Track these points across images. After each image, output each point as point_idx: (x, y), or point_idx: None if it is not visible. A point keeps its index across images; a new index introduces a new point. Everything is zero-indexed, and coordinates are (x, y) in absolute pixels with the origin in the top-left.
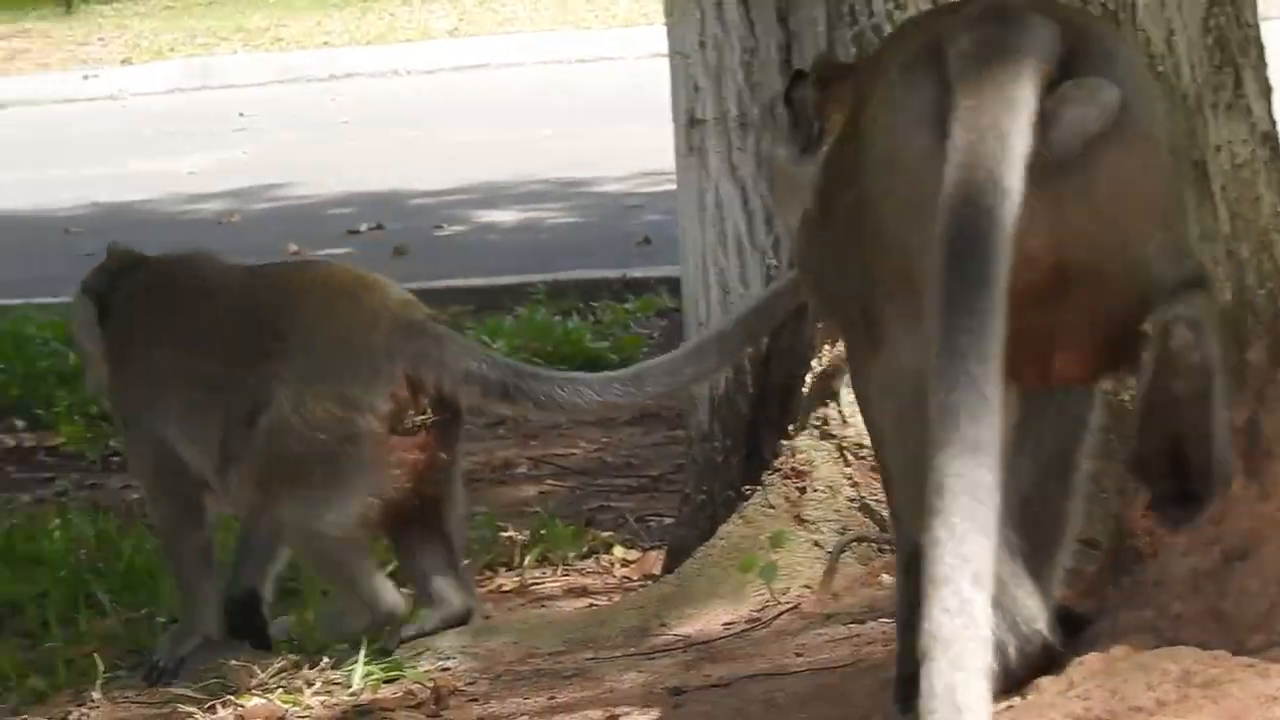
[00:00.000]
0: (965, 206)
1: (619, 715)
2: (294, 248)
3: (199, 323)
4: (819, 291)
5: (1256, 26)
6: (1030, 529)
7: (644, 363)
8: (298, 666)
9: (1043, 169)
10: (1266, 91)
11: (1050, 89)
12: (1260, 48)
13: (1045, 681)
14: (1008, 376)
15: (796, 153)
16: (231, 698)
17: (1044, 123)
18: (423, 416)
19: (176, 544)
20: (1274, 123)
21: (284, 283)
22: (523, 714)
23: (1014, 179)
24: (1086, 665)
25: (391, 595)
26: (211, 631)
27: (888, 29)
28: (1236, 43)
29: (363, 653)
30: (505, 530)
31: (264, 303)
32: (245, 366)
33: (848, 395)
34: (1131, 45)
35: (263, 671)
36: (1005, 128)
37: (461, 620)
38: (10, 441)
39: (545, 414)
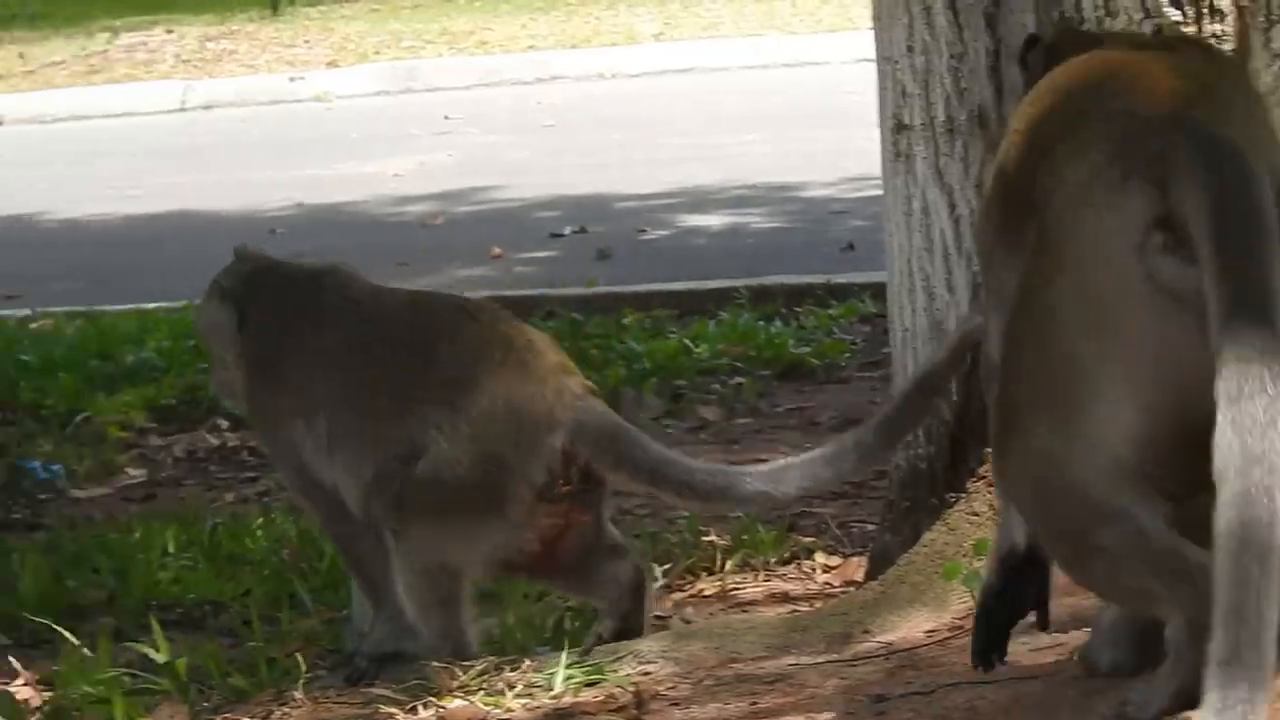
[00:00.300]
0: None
1: None
2: (497, 250)
3: (358, 347)
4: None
5: None
6: None
7: (783, 461)
8: (499, 669)
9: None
10: None
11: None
12: None
13: None
14: None
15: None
16: (433, 699)
17: None
18: (568, 486)
19: (352, 547)
20: None
21: (455, 329)
22: (723, 719)
23: None
24: None
25: (470, 638)
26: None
27: None
28: None
29: (564, 655)
30: (706, 535)
31: (432, 344)
32: (406, 405)
33: None
34: (1258, 103)
35: (464, 673)
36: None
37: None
38: (214, 441)
39: (684, 503)
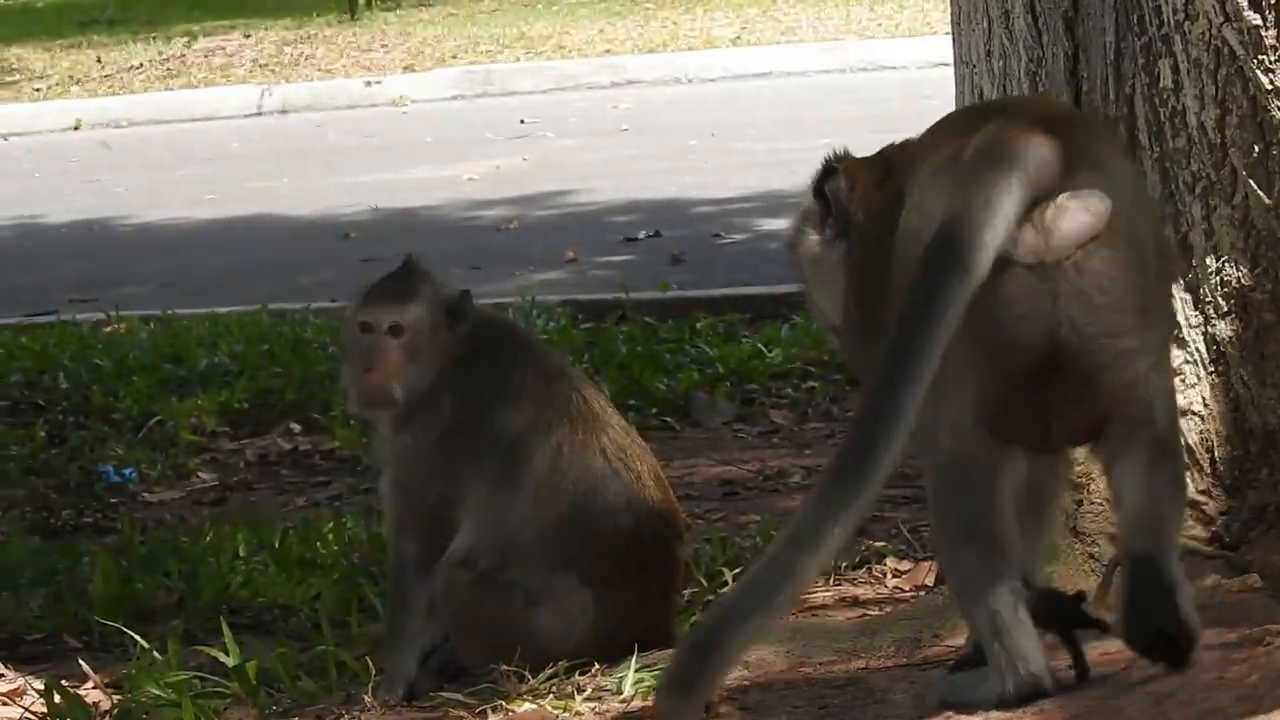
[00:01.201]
0: (935, 268)
1: None
2: (571, 255)
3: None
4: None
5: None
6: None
7: None
8: (569, 673)
9: (1042, 268)
10: None
11: (1050, 196)
12: None
13: None
14: (1014, 442)
15: (830, 238)
16: (502, 703)
17: (1043, 228)
18: None
19: (405, 584)
20: None
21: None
22: None
23: (980, 263)
24: None
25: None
26: (411, 675)
27: (1178, 40)
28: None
29: (634, 660)
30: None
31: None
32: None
33: None
34: (1125, 158)
35: (534, 678)
36: (980, 222)
37: None
38: (286, 445)
39: None
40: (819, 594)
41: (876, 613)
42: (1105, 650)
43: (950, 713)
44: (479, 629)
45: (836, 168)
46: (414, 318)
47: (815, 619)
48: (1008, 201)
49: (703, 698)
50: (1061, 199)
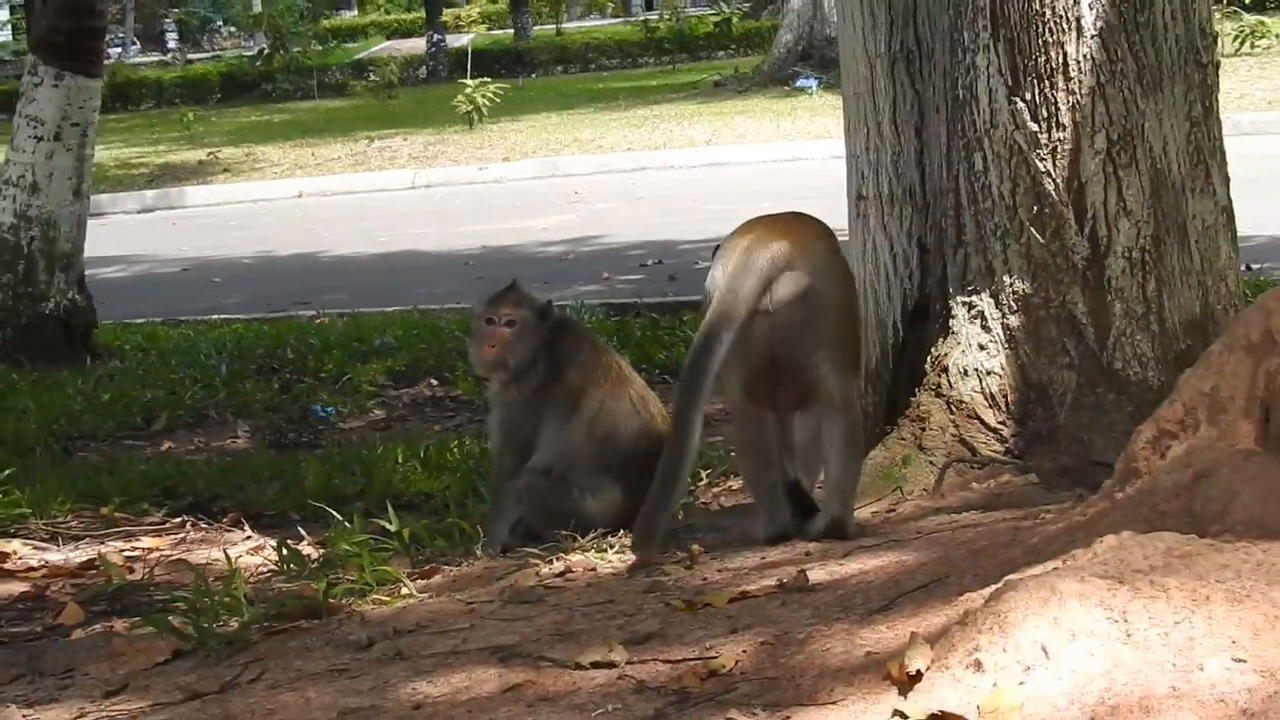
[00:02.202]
0: (714, 326)
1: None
2: (606, 275)
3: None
4: None
5: (1221, 139)
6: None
7: None
8: (604, 536)
9: (767, 312)
10: (1226, 181)
11: (779, 274)
12: (1223, 152)
13: (1079, 552)
14: (759, 403)
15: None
16: (562, 555)
17: (771, 292)
18: None
19: (502, 482)
20: (1230, 200)
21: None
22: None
23: (741, 314)
24: (1105, 543)
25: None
26: (504, 538)
27: (986, 140)
28: (1207, 149)
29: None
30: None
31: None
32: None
33: (954, 370)
34: (829, 251)
35: (582, 538)
36: (743, 293)
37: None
38: (428, 393)
39: None
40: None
41: None
42: (951, 523)
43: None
44: (548, 510)
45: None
46: (520, 315)
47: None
48: (755, 283)
49: (657, 539)
50: (783, 276)
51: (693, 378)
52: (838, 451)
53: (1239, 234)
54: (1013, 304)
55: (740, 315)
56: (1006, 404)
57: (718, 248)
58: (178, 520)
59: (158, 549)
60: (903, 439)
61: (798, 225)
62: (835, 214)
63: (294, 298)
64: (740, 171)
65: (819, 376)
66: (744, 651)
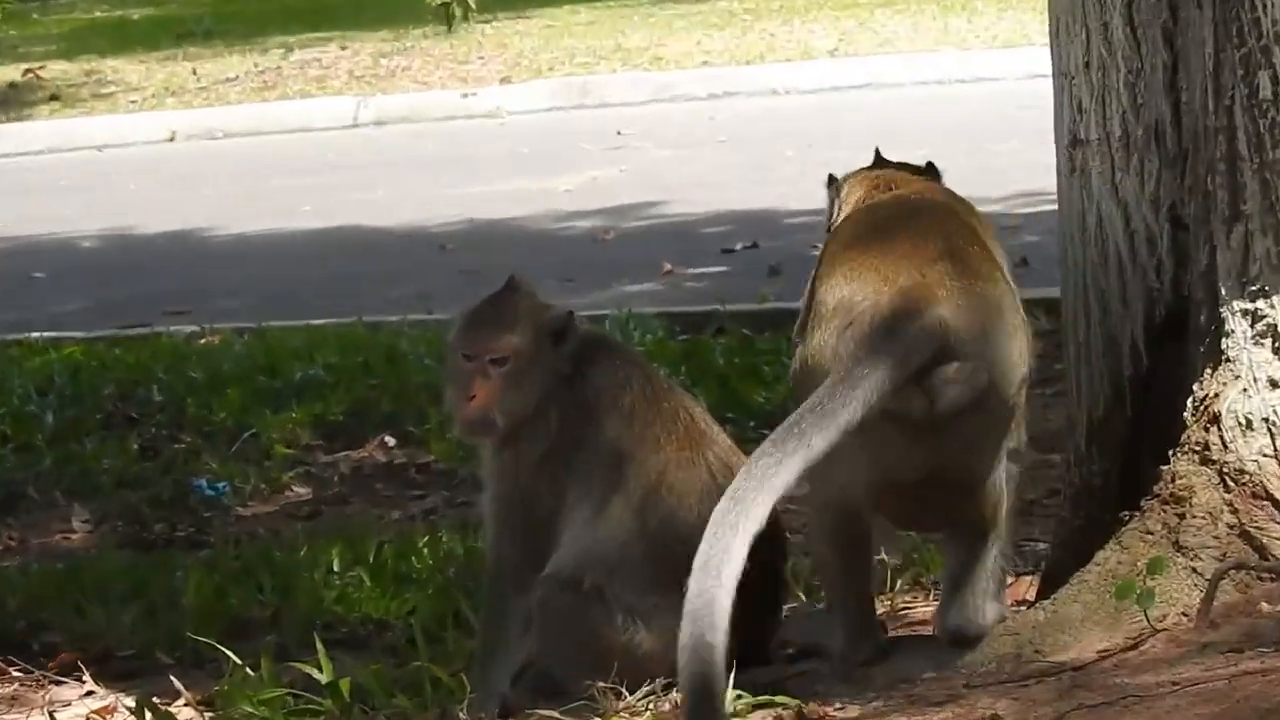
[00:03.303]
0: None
1: None
2: (668, 266)
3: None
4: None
5: None
6: None
7: None
8: (667, 690)
9: (930, 423)
10: None
11: (937, 363)
12: None
13: None
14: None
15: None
16: (597, 719)
17: (931, 393)
18: None
19: (501, 599)
20: None
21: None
22: None
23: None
24: None
25: None
26: (504, 691)
27: (1277, 51)
28: None
29: (732, 675)
30: (877, 554)
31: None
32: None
33: (1229, 420)
34: (1001, 328)
35: (630, 694)
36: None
37: None
38: (381, 458)
39: None
40: (919, 609)
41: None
42: None
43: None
44: (576, 646)
45: (836, 178)
46: (516, 346)
47: (916, 635)
48: (889, 379)
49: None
50: (948, 371)
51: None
52: (978, 581)
53: None
54: None
55: (851, 425)
56: None
57: (813, 276)
58: None
59: None
60: (1148, 533)
61: (950, 239)
62: (1036, 167)
63: (164, 303)
64: (883, 99)
65: (989, 488)
66: None
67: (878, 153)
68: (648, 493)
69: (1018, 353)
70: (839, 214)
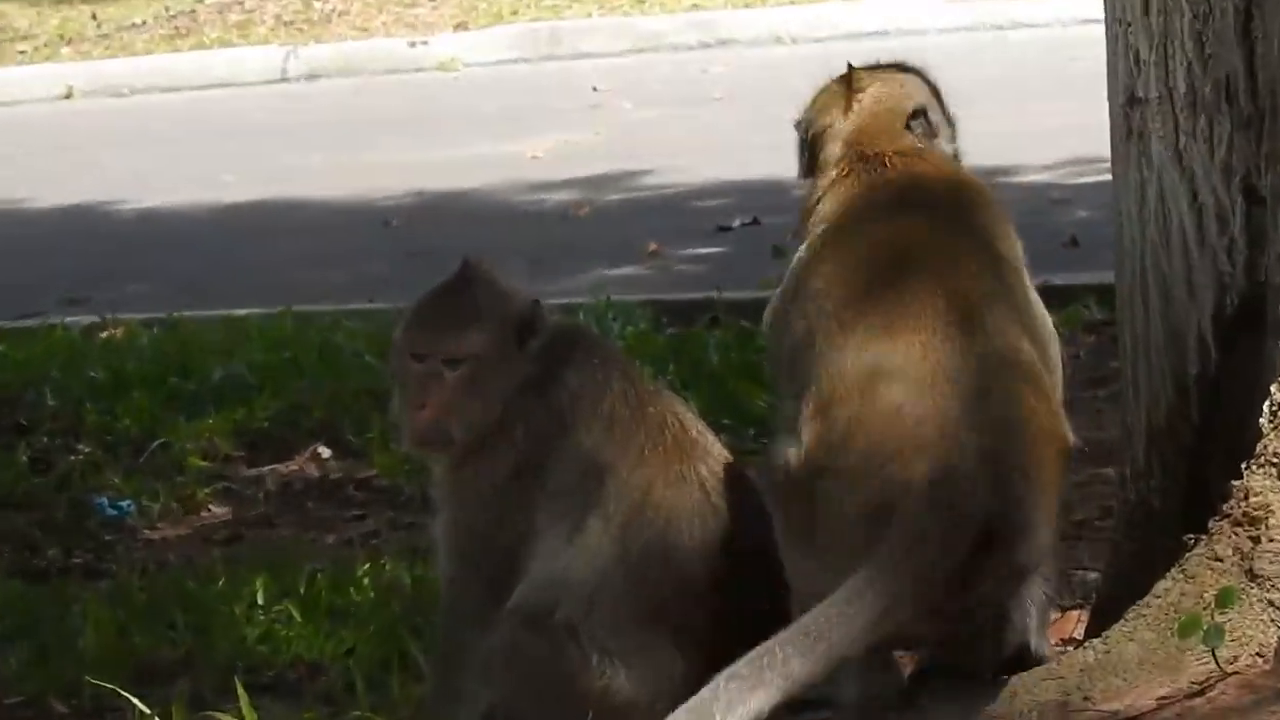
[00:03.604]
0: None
1: None
2: (654, 246)
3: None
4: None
5: None
6: None
7: None
8: None
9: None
10: None
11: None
12: None
13: None
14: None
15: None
16: None
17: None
18: None
19: (458, 639)
20: None
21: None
22: None
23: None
24: None
25: None
26: None
27: None
28: None
29: None
30: None
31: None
32: None
33: None
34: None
35: None
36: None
37: None
38: (314, 472)
39: None
40: None
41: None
42: None
43: None
44: (544, 693)
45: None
46: (475, 345)
47: (947, 681)
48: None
49: None
50: (988, 564)
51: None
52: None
53: None
54: None
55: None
56: None
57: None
58: None
59: None
60: (1217, 559)
61: (968, 298)
62: (1089, 131)
63: (58, 290)
64: (904, 48)
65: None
66: None
67: (851, 70)
68: (630, 513)
69: (1053, 401)
70: (818, 197)
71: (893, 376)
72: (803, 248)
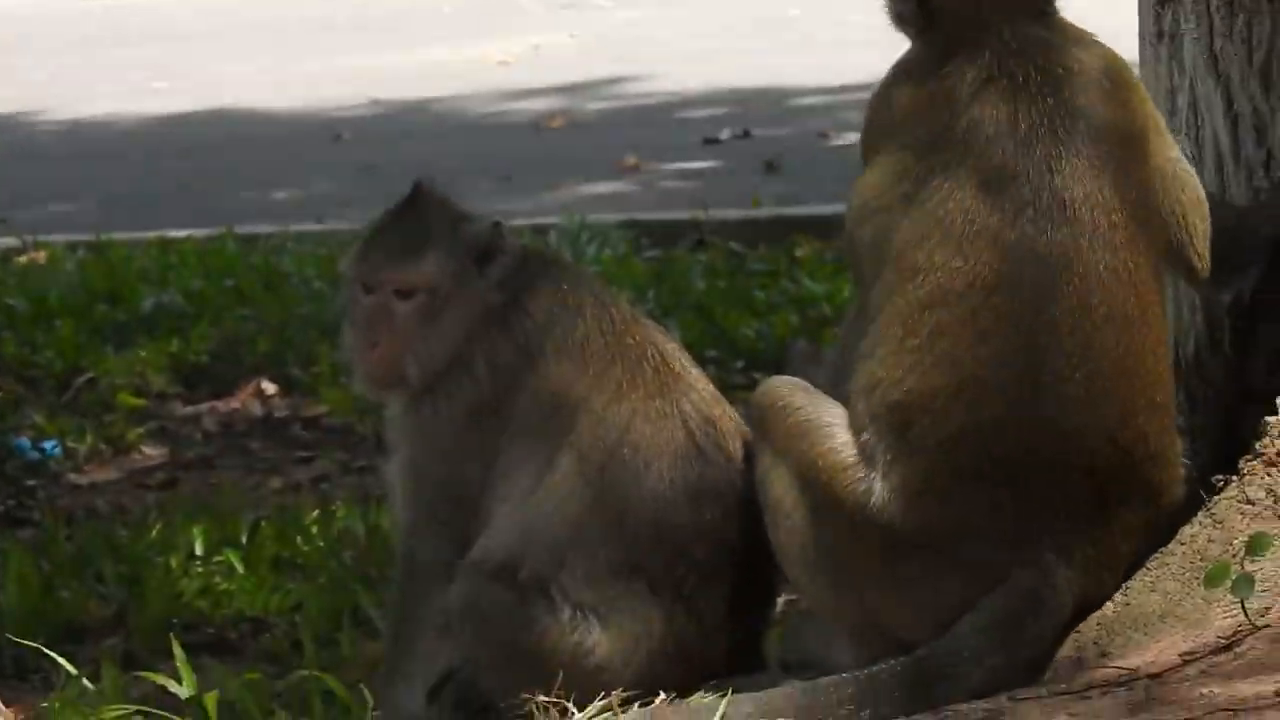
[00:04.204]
0: None
1: None
2: (633, 160)
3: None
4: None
5: None
6: None
7: None
8: (626, 705)
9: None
10: None
11: None
12: None
13: None
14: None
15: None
16: None
17: None
18: None
19: (415, 593)
20: None
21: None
22: None
23: None
24: None
25: None
26: (419, 710)
27: None
28: None
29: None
30: None
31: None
32: None
33: None
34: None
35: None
36: None
37: None
38: (257, 410)
39: None
40: None
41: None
42: None
43: None
44: (509, 652)
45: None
46: (429, 275)
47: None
48: None
49: None
50: None
51: None
52: None
53: None
54: None
55: None
56: None
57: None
58: None
59: None
60: (1249, 502)
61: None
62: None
63: None
64: None
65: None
66: None
67: None
68: (607, 455)
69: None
70: (945, 104)
71: None
72: None
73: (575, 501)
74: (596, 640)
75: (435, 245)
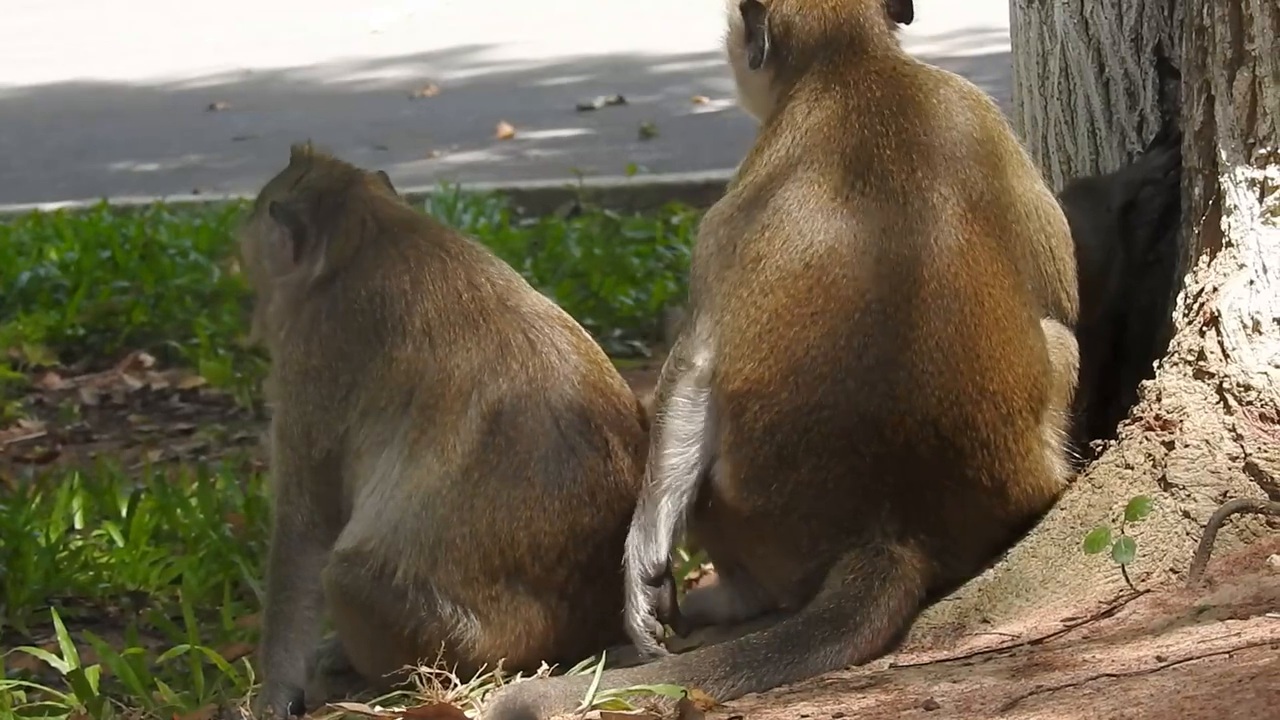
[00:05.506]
0: None
1: None
2: (507, 129)
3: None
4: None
5: None
6: None
7: None
8: (510, 675)
9: None
10: None
11: None
12: None
13: None
14: None
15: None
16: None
17: None
18: None
19: (290, 563)
20: None
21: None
22: None
23: None
24: None
25: None
26: (299, 681)
27: None
28: None
29: (602, 662)
30: None
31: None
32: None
33: (1231, 320)
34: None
35: (464, 683)
36: None
37: None
38: (135, 382)
39: None
40: None
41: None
42: None
43: None
44: (381, 642)
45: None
46: (243, 246)
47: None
48: None
49: None
50: None
51: None
52: None
53: None
54: None
55: None
56: None
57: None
58: None
59: None
60: (1128, 467)
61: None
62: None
63: None
64: None
65: None
66: None
67: None
68: (472, 459)
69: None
70: (786, 126)
71: None
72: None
73: (443, 505)
74: (476, 637)
75: (256, 216)
